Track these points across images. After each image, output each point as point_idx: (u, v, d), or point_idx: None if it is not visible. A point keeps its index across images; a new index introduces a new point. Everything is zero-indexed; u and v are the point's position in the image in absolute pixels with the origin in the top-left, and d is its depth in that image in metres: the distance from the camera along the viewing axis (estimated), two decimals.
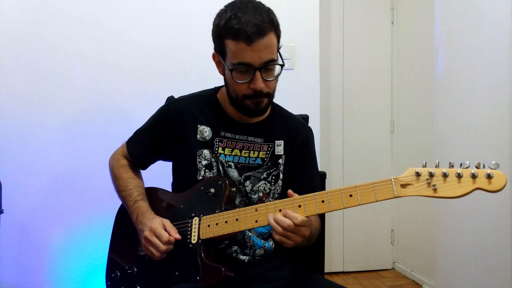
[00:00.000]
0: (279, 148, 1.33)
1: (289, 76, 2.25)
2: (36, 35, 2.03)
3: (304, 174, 1.37)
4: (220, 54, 1.22)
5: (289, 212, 1.08)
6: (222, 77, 1.34)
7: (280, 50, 1.23)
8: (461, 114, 2.21)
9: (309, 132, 1.42)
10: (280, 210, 1.11)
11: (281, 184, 1.34)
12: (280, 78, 1.32)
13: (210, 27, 1.25)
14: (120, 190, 1.36)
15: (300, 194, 1.12)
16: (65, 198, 2.05)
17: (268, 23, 1.16)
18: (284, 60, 1.24)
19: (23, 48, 2.02)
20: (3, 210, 1.68)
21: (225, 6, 1.22)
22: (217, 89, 1.38)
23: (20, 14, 2.02)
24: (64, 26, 2.06)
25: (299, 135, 1.38)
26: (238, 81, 1.19)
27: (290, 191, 1.13)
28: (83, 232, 2.05)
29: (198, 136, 1.30)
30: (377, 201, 0.99)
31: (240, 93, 1.22)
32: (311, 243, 1.26)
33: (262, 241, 1.32)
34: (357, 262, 3.27)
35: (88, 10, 2.09)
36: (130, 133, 1.44)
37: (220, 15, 1.21)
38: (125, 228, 1.37)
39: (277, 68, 1.23)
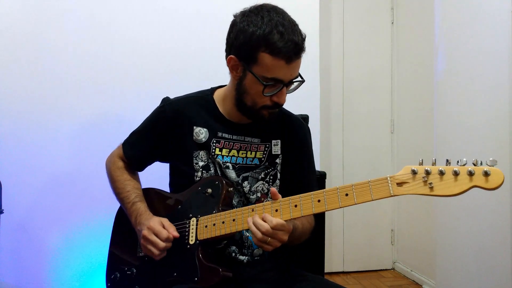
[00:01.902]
0: (276, 147, 1.33)
1: None
2: (36, 35, 2.03)
3: (300, 172, 1.36)
4: (245, 61, 1.18)
5: (267, 215, 1.08)
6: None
7: None
8: (461, 114, 2.21)
9: (306, 130, 1.42)
10: (276, 210, 1.10)
11: (278, 183, 1.34)
12: None
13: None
14: (117, 192, 1.36)
15: (296, 192, 1.11)
16: (65, 198, 2.05)
17: (303, 43, 1.17)
18: None
19: (23, 48, 2.02)
20: (3, 210, 1.68)
21: (254, 12, 1.18)
22: (213, 90, 1.37)
23: (20, 14, 2.02)
24: (64, 26, 2.07)
25: (296, 133, 1.37)
26: (266, 94, 1.18)
27: (273, 189, 1.12)
28: (82, 232, 2.05)
29: (194, 137, 1.30)
30: (373, 200, 0.98)
31: (260, 104, 1.21)
32: (295, 244, 1.24)
33: None
34: (357, 262, 3.27)
35: (89, 10, 2.09)
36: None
37: (253, 23, 1.16)
38: (124, 229, 1.37)
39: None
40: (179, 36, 2.19)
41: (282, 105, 1.25)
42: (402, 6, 3.25)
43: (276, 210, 1.10)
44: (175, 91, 1.44)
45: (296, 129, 1.38)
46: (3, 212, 1.68)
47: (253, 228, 1.07)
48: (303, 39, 1.18)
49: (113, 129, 2.05)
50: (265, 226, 1.06)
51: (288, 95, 1.24)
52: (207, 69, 2.09)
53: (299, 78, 1.23)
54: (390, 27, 3.32)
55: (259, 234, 1.06)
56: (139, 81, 2.14)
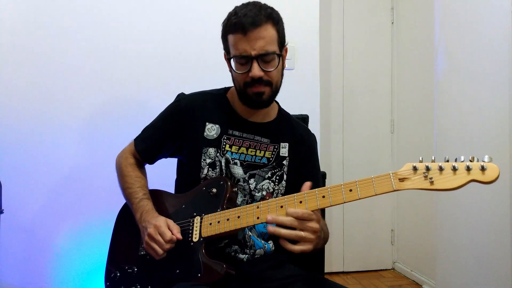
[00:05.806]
0: (284, 150, 1.37)
1: (289, 76, 2.24)
2: (36, 31, 2.02)
3: (308, 178, 1.36)
4: (227, 52, 1.29)
5: (289, 209, 1.06)
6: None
7: (286, 46, 1.31)
8: (461, 114, 2.21)
9: (314, 139, 1.46)
10: (281, 207, 1.10)
11: (284, 184, 1.35)
12: None
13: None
14: (126, 187, 1.37)
15: None
16: (66, 198, 2.05)
17: (265, 16, 1.21)
18: (285, 61, 1.32)
19: (23, 46, 2.01)
20: (3, 210, 1.68)
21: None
22: (227, 88, 1.42)
23: (25, 5, 2.01)
24: (68, 19, 2.04)
25: (304, 141, 1.41)
26: (238, 71, 1.24)
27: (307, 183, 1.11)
28: (84, 232, 2.05)
29: (205, 133, 1.32)
30: (376, 194, 1.01)
31: (241, 82, 1.26)
32: (320, 247, 1.19)
33: (263, 242, 1.33)
34: (357, 262, 3.27)
35: (98, 3, 2.08)
36: (132, 135, 1.45)
37: (226, 17, 1.28)
38: (126, 228, 1.37)
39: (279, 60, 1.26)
40: (191, 34, 2.17)
41: (262, 79, 1.23)
42: (402, 6, 3.26)
43: (281, 207, 1.11)
44: (188, 90, 1.45)
45: (304, 137, 1.42)
46: (3, 212, 1.68)
47: (276, 230, 1.04)
48: (262, 13, 1.21)
49: (117, 129, 2.06)
50: (288, 219, 1.04)
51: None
52: (220, 69, 2.08)
53: (275, 52, 1.22)
54: (390, 27, 3.33)
55: (282, 231, 1.04)
56: (145, 81, 2.13)
